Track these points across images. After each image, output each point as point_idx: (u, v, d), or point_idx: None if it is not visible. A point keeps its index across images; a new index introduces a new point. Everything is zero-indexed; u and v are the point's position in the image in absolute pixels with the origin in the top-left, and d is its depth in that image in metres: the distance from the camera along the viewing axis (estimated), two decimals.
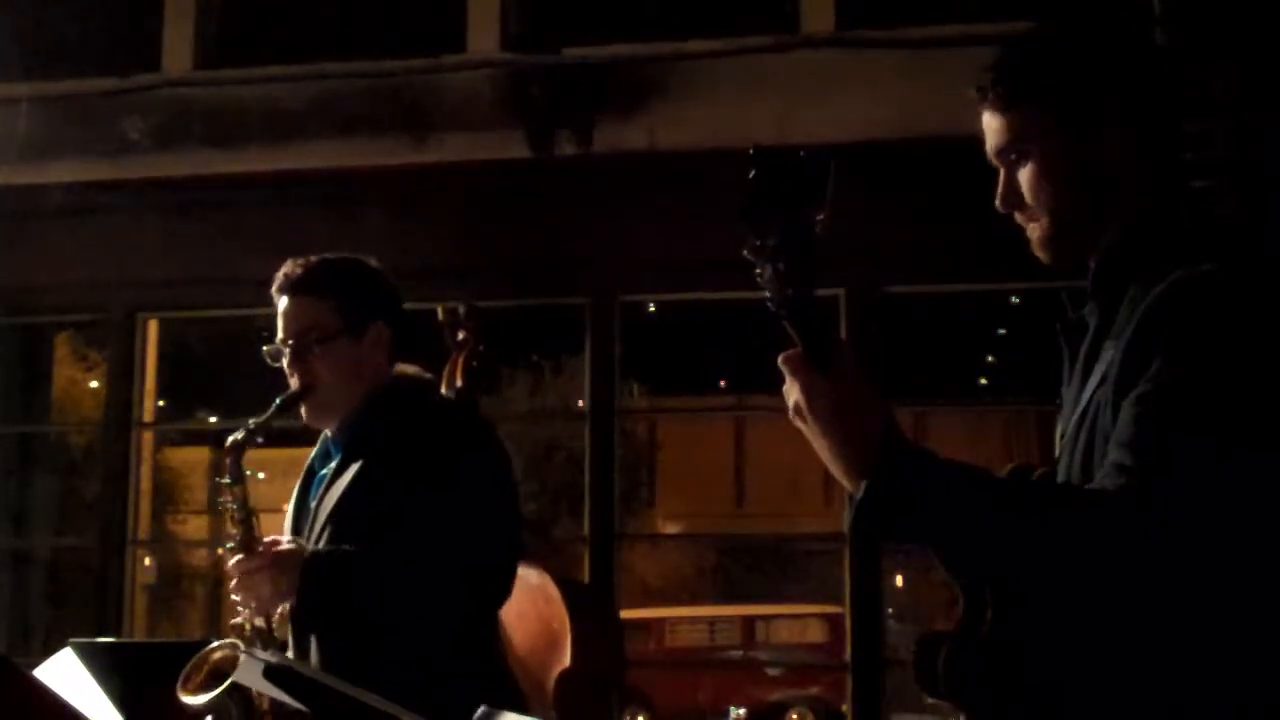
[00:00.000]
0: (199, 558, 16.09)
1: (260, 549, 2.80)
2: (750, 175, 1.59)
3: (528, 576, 3.93)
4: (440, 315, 4.30)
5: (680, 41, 7.25)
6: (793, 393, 1.66)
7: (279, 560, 2.74)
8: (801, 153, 1.59)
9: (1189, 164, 1.88)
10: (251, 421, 2.89)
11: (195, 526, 16.10)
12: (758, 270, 1.60)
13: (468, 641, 2.80)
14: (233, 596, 2.80)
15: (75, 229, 7.48)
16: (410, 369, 3.96)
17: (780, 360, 1.66)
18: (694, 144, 6.85)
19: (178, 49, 7.74)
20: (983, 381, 14.54)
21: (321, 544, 2.83)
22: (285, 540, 2.87)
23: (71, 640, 2.81)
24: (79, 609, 8.06)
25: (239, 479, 2.89)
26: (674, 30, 7.32)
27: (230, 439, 2.89)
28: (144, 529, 8.02)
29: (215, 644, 2.65)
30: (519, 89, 7.32)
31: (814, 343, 1.63)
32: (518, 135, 7.25)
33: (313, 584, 2.71)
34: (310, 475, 3.01)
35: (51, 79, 7.64)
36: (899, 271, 7.04)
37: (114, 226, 7.48)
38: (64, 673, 2.70)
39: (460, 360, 4.17)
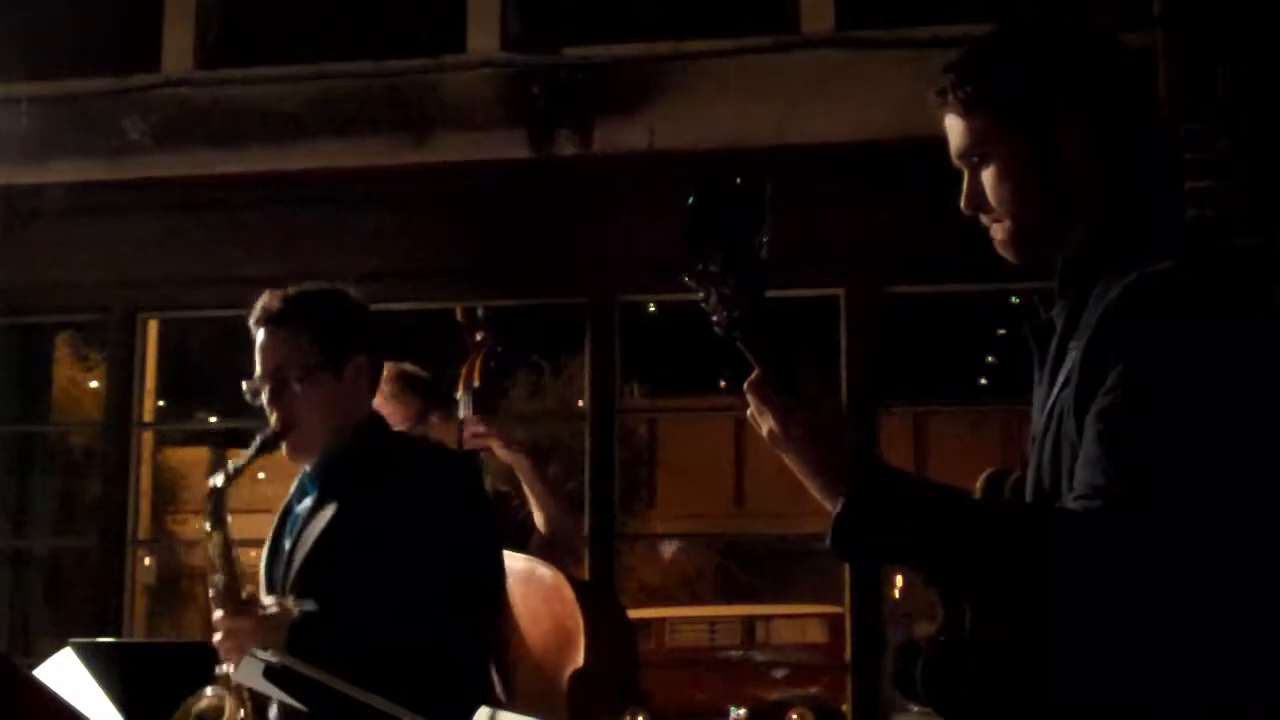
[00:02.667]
0: (199, 558, 16.06)
1: (244, 599, 2.74)
2: (689, 202, 1.60)
3: (542, 576, 3.93)
4: (459, 315, 4.33)
5: (680, 41, 7.24)
6: (765, 420, 1.66)
7: (265, 629, 2.66)
8: (738, 179, 1.60)
9: (1189, 164, 1.88)
10: (231, 465, 2.81)
11: (195, 526, 16.06)
12: (701, 295, 1.61)
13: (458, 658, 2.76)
14: (217, 648, 2.73)
15: (75, 229, 7.47)
16: (396, 366, 3.93)
17: (745, 387, 1.66)
18: (694, 144, 6.85)
19: (178, 49, 7.73)
20: (983, 381, 14.53)
21: (295, 589, 2.76)
22: (268, 599, 2.80)
23: (71, 640, 2.80)
24: (79, 609, 8.05)
25: (220, 525, 2.81)
26: (674, 30, 7.31)
27: (210, 484, 2.82)
28: (144, 529, 8.01)
29: (201, 692, 2.63)
30: (519, 89, 7.32)
31: (773, 364, 1.64)
32: (518, 135, 7.24)
33: (299, 653, 2.66)
34: (287, 513, 2.95)
35: (51, 79, 7.64)
36: (899, 271, 7.03)
37: (114, 226, 7.48)
38: (64, 673, 2.70)
39: (478, 361, 4.20)
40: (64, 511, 10.44)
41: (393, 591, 2.65)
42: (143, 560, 8.98)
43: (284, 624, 2.67)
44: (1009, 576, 1.59)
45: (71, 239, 7.48)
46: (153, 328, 7.99)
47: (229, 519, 2.83)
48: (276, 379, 2.82)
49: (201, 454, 15.72)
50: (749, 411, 1.68)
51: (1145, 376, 1.58)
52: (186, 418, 11.88)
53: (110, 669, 2.74)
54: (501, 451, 4.14)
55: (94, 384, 10.24)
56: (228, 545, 2.79)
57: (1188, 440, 1.56)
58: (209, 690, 2.65)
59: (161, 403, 9.10)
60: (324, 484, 2.85)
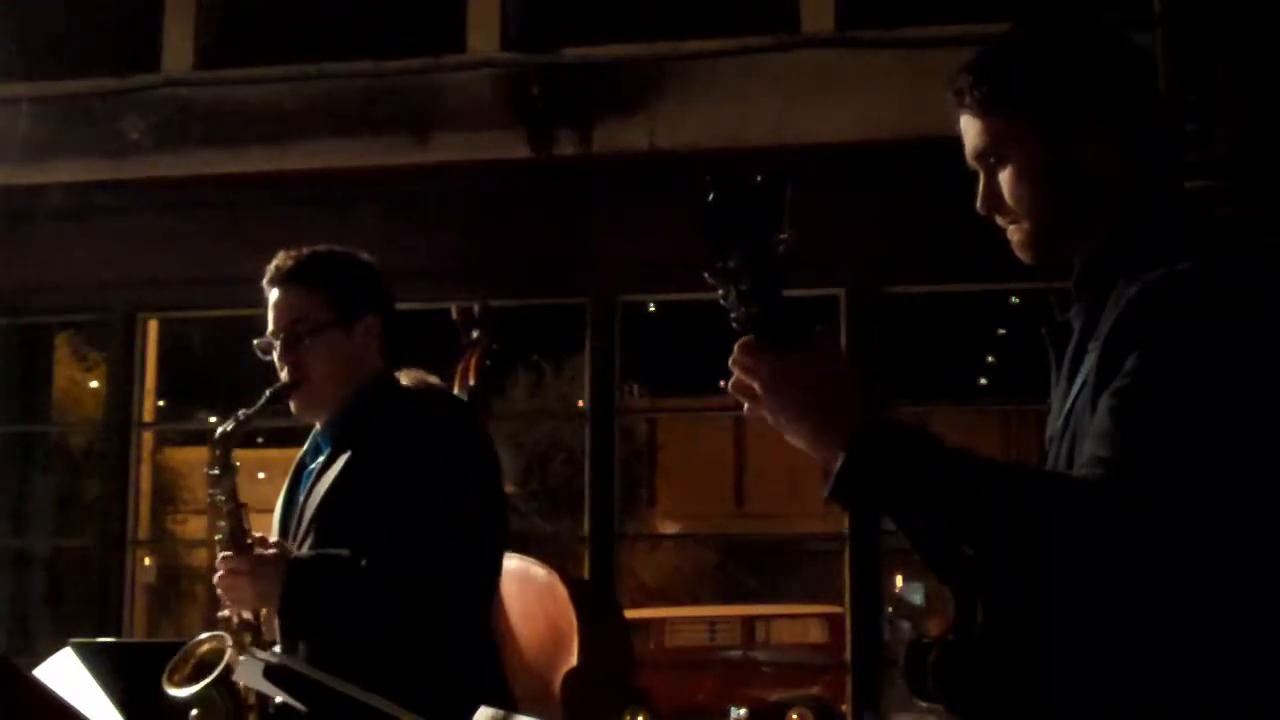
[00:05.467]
0: (199, 558, 16.08)
1: (249, 542, 2.80)
2: (707, 200, 1.59)
3: (535, 575, 3.93)
4: (454, 314, 4.35)
5: (680, 41, 7.25)
6: (759, 375, 1.62)
7: (262, 566, 2.73)
8: (757, 177, 1.59)
9: (1189, 164, 1.88)
10: (241, 412, 2.87)
11: (195, 526, 16.09)
12: (720, 292, 1.60)
13: (456, 640, 2.80)
14: (218, 593, 2.80)
15: (75, 229, 7.48)
16: (414, 374, 3.96)
17: (738, 347, 1.63)
18: (694, 144, 6.85)
19: (178, 49, 7.74)
20: (983, 381, 14.54)
21: (308, 538, 2.83)
22: (272, 540, 2.86)
23: (71, 640, 2.80)
24: (79, 609, 8.06)
25: (227, 471, 2.88)
26: (674, 30, 7.32)
27: (219, 429, 2.88)
28: (144, 529, 8.02)
29: (202, 636, 2.66)
30: (519, 89, 7.33)
31: (772, 332, 1.62)
32: (518, 135, 7.25)
33: (296, 590, 2.71)
34: (300, 470, 3.01)
35: (51, 79, 7.65)
36: (899, 271, 7.04)
37: (114, 226, 7.49)
38: (64, 673, 2.70)
39: (474, 359, 4.22)
40: (64, 511, 10.45)
41: (395, 535, 2.70)
42: (143, 560, 8.98)
43: (281, 565, 2.73)
44: (1006, 533, 1.58)
45: (71, 239, 7.49)
46: (153, 328, 8.00)
47: (236, 466, 2.90)
48: (288, 335, 2.89)
49: (201, 454, 15.70)
50: (733, 380, 1.64)
51: (1162, 363, 1.59)
52: (186, 418, 11.87)
53: (110, 669, 2.74)
54: None
55: (94, 384, 10.24)
56: (234, 490, 2.86)
57: (1198, 424, 1.56)
58: (206, 635, 2.67)
59: (161, 403, 9.10)
60: (336, 439, 2.92)
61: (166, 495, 13.71)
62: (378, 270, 3.01)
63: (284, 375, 2.90)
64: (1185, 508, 1.53)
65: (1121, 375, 1.60)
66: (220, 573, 2.77)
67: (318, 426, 2.98)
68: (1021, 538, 1.57)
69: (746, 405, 1.66)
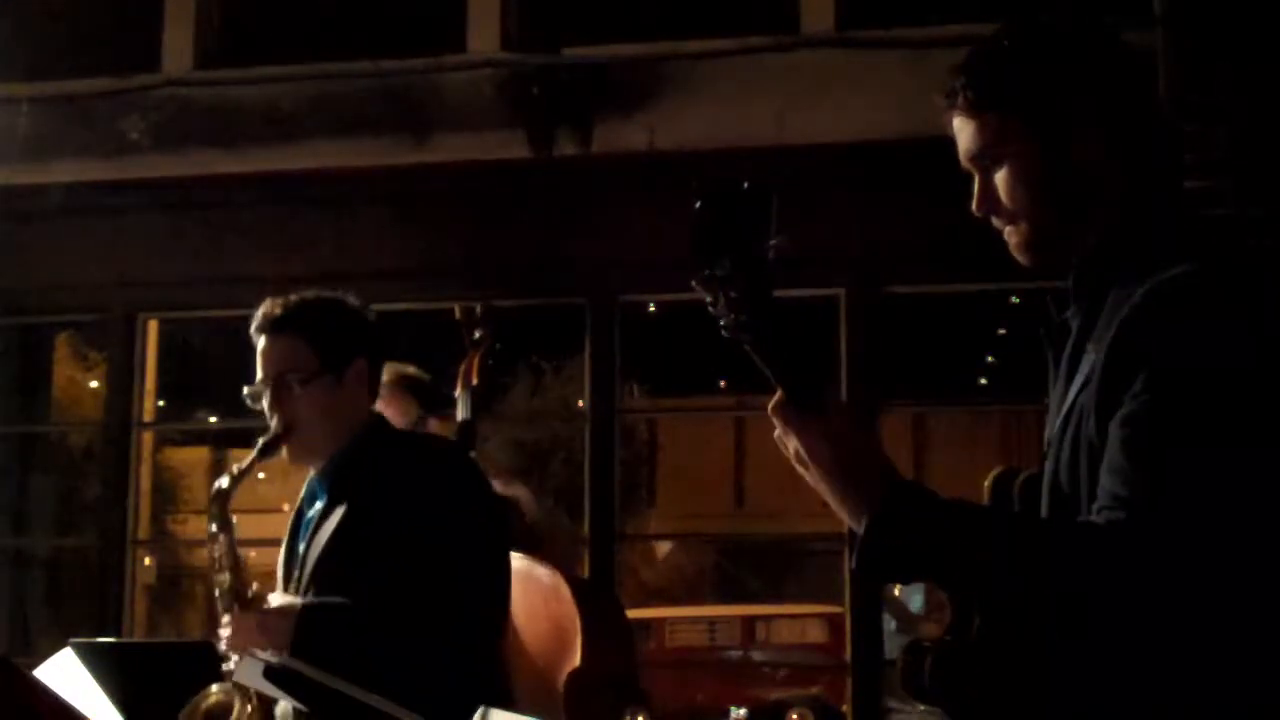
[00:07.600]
0: (199, 558, 16.04)
1: (250, 596, 2.79)
2: (695, 208, 1.59)
3: (539, 575, 3.93)
4: (457, 314, 4.36)
5: (680, 41, 7.24)
6: (790, 441, 1.65)
7: (269, 621, 2.72)
8: (744, 184, 1.59)
9: (1189, 164, 1.87)
10: (235, 468, 2.86)
11: (195, 526, 16.05)
12: (709, 300, 1.61)
13: (458, 661, 2.78)
14: (223, 648, 2.77)
15: (75, 229, 7.47)
16: (410, 370, 3.95)
17: (770, 410, 1.65)
18: (694, 144, 6.85)
19: (178, 49, 7.74)
20: (983, 381, 14.52)
21: (309, 589, 2.81)
22: (275, 596, 2.85)
23: (71, 640, 2.81)
24: (79, 609, 8.05)
25: (226, 527, 2.87)
26: (674, 30, 7.32)
27: (215, 487, 2.88)
28: (144, 529, 8.02)
29: (210, 689, 2.66)
30: (519, 89, 7.32)
31: (786, 372, 1.63)
32: (518, 135, 7.25)
33: (304, 643, 2.68)
34: (299, 518, 2.99)
35: (51, 79, 7.64)
36: (899, 271, 7.04)
37: (114, 226, 7.48)
38: (64, 673, 2.70)
39: (476, 359, 4.23)
40: (64, 511, 10.44)
41: (399, 585, 2.69)
42: (143, 560, 8.97)
43: (288, 617, 2.71)
44: (1039, 594, 1.57)
45: (71, 239, 7.48)
46: (153, 328, 7.99)
47: (234, 520, 2.89)
48: (277, 384, 2.87)
49: (201, 454, 15.72)
50: (775, 434, 1.67)
51: (1170, 383, 1.56)
52: (186, 418, 11.87)
53: (110, 669, 2.74)
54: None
55: (94, 384, 10.22)
56: (233, 546, 2.84)
57: (1213, 449, 1.54)
58: (216, 687, 2.67)
59: (161, 403, 9.09)
60: (332, 487, 2.90)
61: (166, 495, 13.69)
62: (366, 314, 2.99)
63: (274, 424, 2.88)
64: (1209, 538, 1.52)
65: (1130, 398, 1.58)
66: (227, 632, 2.74)
67: (312, 473, 2.96)
68: (1057, 598, 1.57)
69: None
